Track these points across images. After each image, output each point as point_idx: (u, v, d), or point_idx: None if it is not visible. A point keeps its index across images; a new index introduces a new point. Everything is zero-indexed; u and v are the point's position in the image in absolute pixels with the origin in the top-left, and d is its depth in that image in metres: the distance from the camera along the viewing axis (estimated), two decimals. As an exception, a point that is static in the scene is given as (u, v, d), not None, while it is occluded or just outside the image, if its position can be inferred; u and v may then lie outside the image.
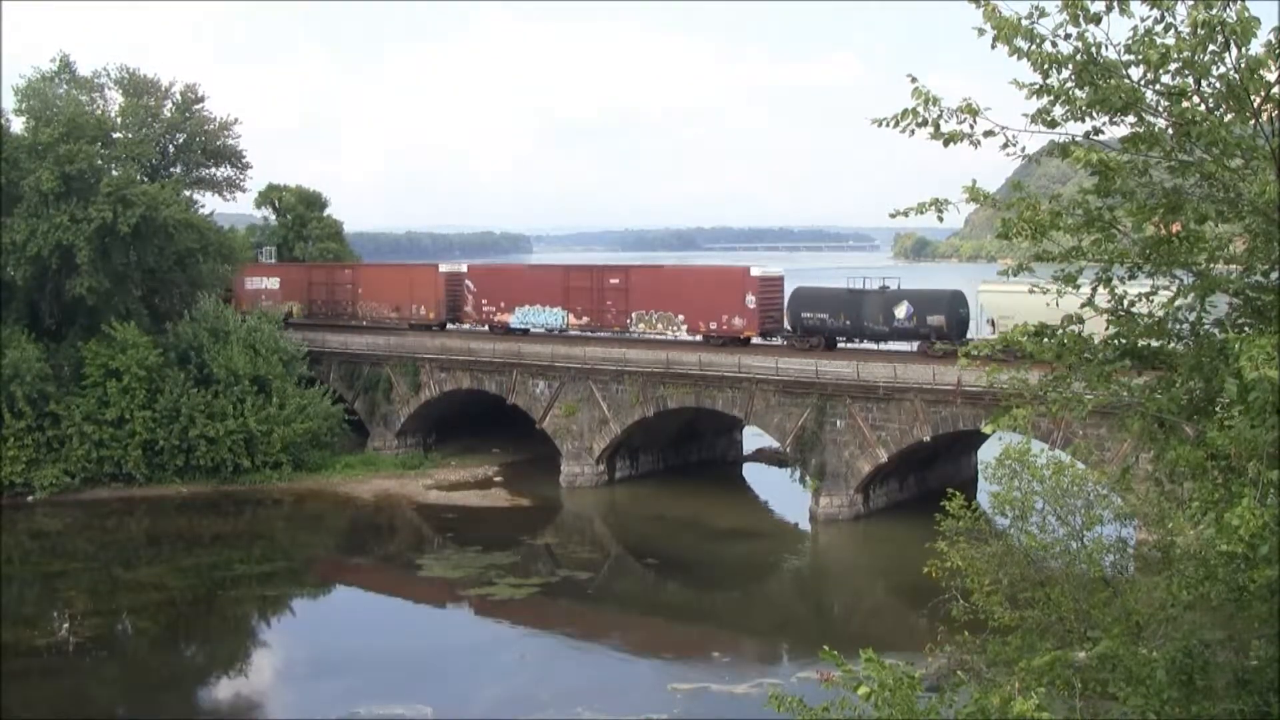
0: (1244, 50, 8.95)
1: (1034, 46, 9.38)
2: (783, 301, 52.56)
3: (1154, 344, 10.88)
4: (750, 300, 52.21)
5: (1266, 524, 8.37)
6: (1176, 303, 10.51)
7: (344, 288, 66.55)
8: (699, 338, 53.62)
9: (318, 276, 68.92)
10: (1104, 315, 10.99)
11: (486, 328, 60.06)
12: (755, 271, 54.02)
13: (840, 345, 50.48)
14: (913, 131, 9.84)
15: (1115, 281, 10.79)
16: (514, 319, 58.96)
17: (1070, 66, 9.43)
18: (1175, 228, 10.34)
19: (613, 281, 56.78)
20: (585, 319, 56.96)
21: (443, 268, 64.18)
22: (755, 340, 52.45)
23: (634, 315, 55.10)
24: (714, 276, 57.95)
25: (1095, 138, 9.85)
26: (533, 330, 58.36)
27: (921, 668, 12.81)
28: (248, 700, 32.09)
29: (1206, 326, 10.43)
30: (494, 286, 61.16)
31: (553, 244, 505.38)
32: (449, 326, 62.32)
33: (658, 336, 54.43)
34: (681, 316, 53.94)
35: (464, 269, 63.62)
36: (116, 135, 54.36)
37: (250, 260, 70.54)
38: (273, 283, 68.20)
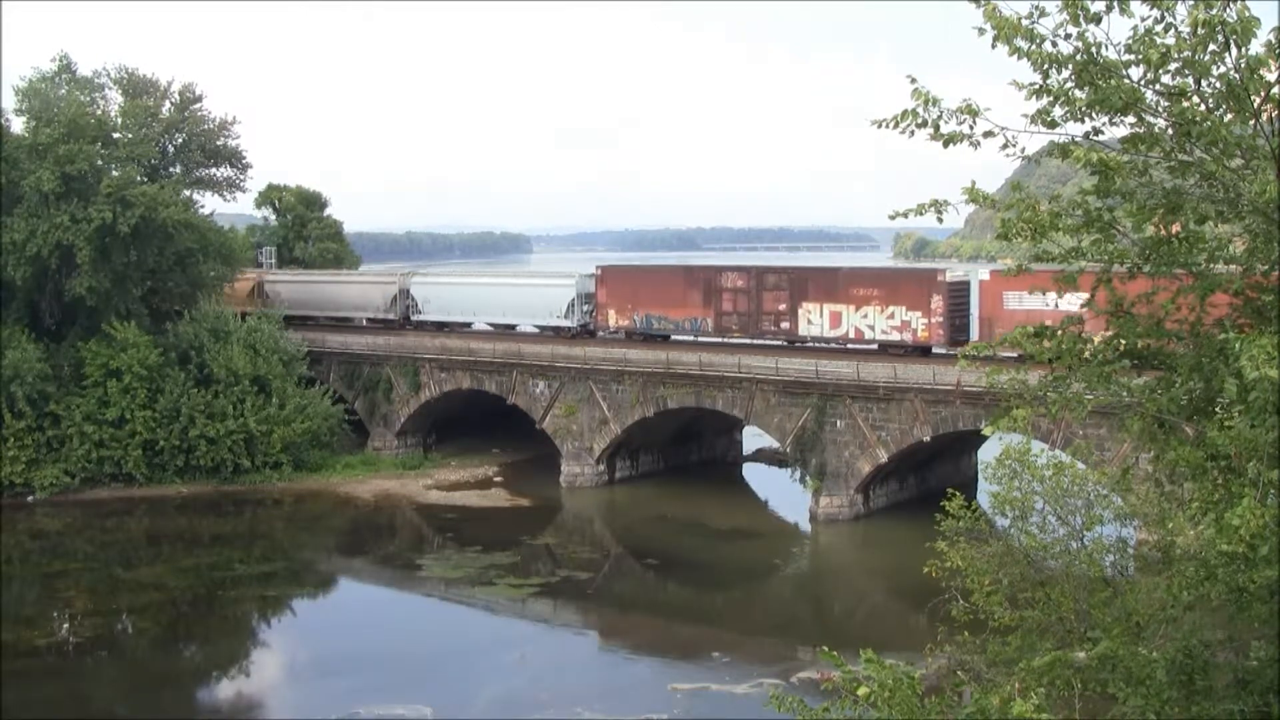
0: (1244, 50, 8.95)
1: (1034, 46, 9.38)
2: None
3: (1154, 344, 10.88)
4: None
5: (1266, 524, 8.38)
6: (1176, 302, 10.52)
7: None
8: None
9: None
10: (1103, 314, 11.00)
11: None
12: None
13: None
14: (912, 132, 9.84)
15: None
16: None
17: (1070, 66, 9.43)
18: (1175, 228, 10.35)
19: None
20: None
21: None
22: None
23: None
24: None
25: (1095, 138, 9.85)
26: None
27: (921, 668, 12.81)
28: (248, 700, 32.10)
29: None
30: None
31: (553, 244, 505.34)
32: None
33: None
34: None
35: None
36: (116, 135, 54.35)
37: (250, 261, 70.07)
38: None
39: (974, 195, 10.66)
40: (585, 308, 56.55)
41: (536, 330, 58.34)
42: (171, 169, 57.54)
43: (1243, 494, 8.72)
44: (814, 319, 49.50)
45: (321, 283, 68.43)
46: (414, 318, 62.24)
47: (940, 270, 50.17)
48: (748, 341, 50.89)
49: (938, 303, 46.63)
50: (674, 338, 54.10)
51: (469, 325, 61.55)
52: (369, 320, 64.62)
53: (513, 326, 59.75)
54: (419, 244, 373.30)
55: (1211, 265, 10.32)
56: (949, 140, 9.86)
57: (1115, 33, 9.28)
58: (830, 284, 50.32)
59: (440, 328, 60.80)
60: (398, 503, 50.62)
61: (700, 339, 52.71)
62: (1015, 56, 9.43)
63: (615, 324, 55.48)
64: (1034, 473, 17.24)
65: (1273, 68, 9.09)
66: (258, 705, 31.77)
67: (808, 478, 46.04)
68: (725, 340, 51.65)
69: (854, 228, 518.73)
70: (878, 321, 47.96)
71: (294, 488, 51.86)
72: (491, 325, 60.75)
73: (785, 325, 50.33)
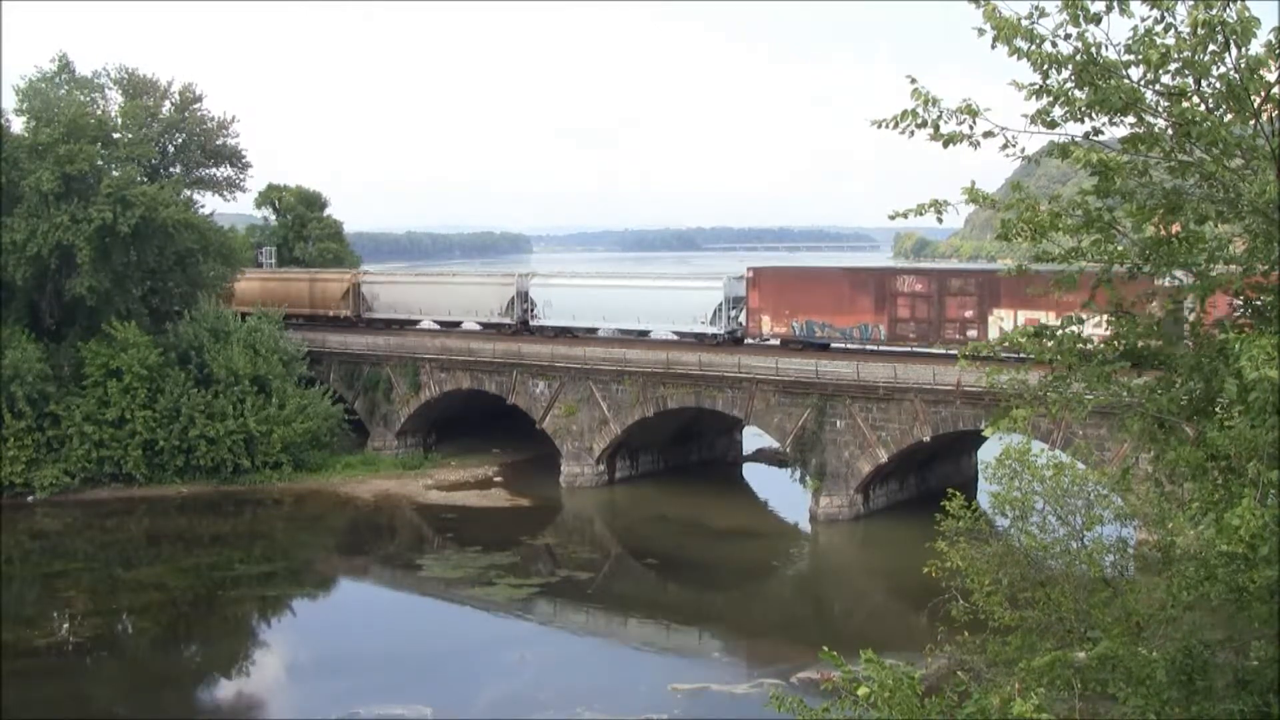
0: (1244, 50, 8.94)
1: (1034, 47, 9.37)
2: None
3: (1154, 344, 10.89)
4: None
5: (1266, 524, 8.37)
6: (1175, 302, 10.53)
7: None
8: None
9: None
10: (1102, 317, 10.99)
11: None
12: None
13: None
14: (912, 133, 9.83)
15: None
16: None
17: (1070, 67, 9.42)
18: (1175, 228, 10.34)
19: None
20: None
21: None
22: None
23: None
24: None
25: (1095, 138, 9.85)
26: None
27: (921, 668, 12.80)
28: (248, 700, 32.08)
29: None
30: None
31: (553, 244, 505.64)
32: None
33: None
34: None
35: None
36: (116, 135, 54.35)
37: (249, 261, 69.92)
38: None
39: (974, 195, 10.66)
40: (733, 312, 52.30)
41: (675, 337, 54.16)
42: (171, 169, 57.54)
43: (1243, 494, 8.72)
44: (1007, 327, 42.15)
45: (427, 284, 65.56)
46: (533, 323, 57.85)
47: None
48: (928, 351, 46.37)
49: (1155, 308, 42.41)
50: (834, 346, 49.45)
51: (594, 331, 56.71)
52: (481, 325, 60.64)
53: (646, 333, 55.60)
54: (419, 244, 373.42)
55: (1211, 265, 10.32)
56: (949, 140, 9.85)
57: (1115, 33, 9.28)
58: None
59: (561, 333, 56.44)
60: (398, 503, 50.62)
61: (870, 348, 48.48)
62: (1015, 57, 9.42)
63: (770, 331, 51.18)
64: (1034, 473, 17.19)
65: (1273, 68, 9.09)
66: (258, 705, 31.75)
67: (808, 478, 46.04)
68: (904, 350, 47.45)
69: (854, 228, 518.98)
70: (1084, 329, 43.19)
71: (294, 488, 51.86)
72: (621, 331, 55.78)
73: (973, 333, 44.99)
